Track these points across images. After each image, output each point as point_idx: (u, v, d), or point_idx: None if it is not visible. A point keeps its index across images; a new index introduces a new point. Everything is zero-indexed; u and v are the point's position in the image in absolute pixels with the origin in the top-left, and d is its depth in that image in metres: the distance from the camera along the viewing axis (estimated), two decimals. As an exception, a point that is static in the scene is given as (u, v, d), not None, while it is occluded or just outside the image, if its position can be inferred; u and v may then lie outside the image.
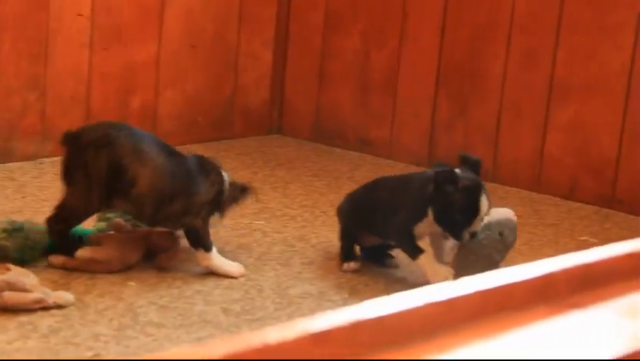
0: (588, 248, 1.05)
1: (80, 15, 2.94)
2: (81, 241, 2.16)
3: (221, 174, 2.21)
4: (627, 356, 0.84)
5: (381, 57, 3.26)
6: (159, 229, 2.18)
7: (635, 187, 2.83)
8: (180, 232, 2.21)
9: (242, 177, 2.96)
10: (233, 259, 2.26)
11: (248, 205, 2.69)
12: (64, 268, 2.11)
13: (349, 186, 2.91)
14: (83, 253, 2.11)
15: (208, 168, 2.18)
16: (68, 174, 2.09)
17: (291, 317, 1.98)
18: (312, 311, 2.01)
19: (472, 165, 2.12)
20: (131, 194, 2.08)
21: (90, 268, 2.10)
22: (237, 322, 1.94)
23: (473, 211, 2.05)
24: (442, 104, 3.16)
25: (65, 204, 2.10)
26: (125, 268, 2.14)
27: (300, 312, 2.00)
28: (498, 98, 3.05)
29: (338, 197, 2.82)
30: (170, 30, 3.16)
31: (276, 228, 2.51)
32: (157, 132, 3.20)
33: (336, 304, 2.05)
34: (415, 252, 2.13)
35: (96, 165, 2.06)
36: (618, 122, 2.85)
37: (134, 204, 2.10)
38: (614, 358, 0.83)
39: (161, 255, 2.17)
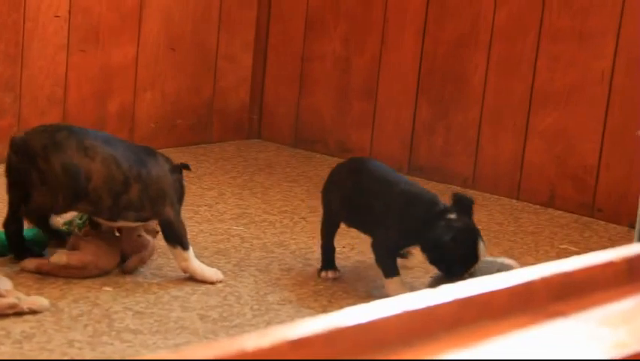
0: (568, 257, 1.04)
1: (56, 16, 2.91)
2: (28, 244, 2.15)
3: (167, 157, 2.20)
4: (608, 365, 0.83)
5: (361, 62, 3.25)
6: (126, 224, 2.14)
7: (615, 196, 2.83)
8: (154, 238, 2.20)
9: (221, 181, 2.95)
10: (211, 265, 2.24)
11: (227, 210, 2.68)
12: (38, 272, 2.08)
13: (329, 192, 2.89)
14: (58, 257, 2.08)
15: (155, 152, 2.18)
16: (24, 179, 2.07)
17: (269, 323, 1.96)
18: (291, 318, 1.99)
19: (465, 206, 2.08)
20: (88, 190, 2.06)
21: (64, 273, 2.08)
22: (215, 328, 1.92)
23: (471, 259, 2.05)
24: (423, 110, 3.16)
25: (32, 204, 2.08)
26: (102, 273, 2.11)
27: (278, 319, 1.99)
28: (479, 104, 3.05)
29: (318, 203, 2.80)
30: (149, 32, 3.13)
31: (254, 234, 2.50)
32: (135, 136, 3.18)
33: (314, 311, 2.04)
34: (389, 271, 2.11)
35: (51, 171, 2.05)
36: (599, 130, 2.86)
37: (92, 200, 2.08)
38: (595, 368, 0.83)
39: (129, 258, 2.15)
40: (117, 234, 2.16)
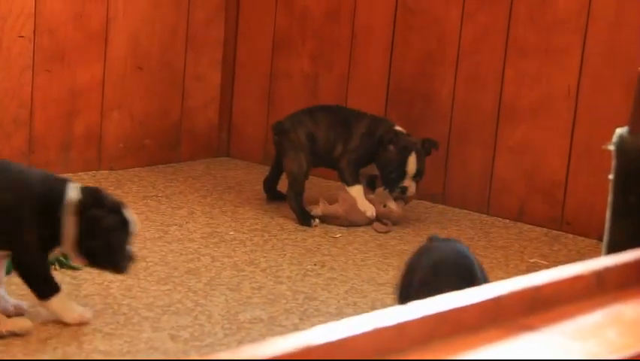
0: (538, 270, 1.05)
1: (21, 37, 2.89)
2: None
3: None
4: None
5: (330, 79, 3.26)
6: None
7: (583, 209, 2.86)
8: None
9: (190, 200, 2.93)
10: (182, 285, 2.22)
11: (197, 229, 2.66)
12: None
13: (299, 210, 2.89)
14: (316, 208, 2.72)
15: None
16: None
17: (240, 342, 1.95)
18: (263, 337, 1.98)
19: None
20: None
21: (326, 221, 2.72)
22: (186, 348, 1.91)
23: None
24: (392, 127, 3.16)
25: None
26: (352, 225, 2.70)
27: (249, 338, 1.97)
28: (447, 120, 3.07)
29: (287, 221, 2.80)
30: (116, 52, 3.12)
31: (225, 252, 2.48)
32: (102, 156, 3.15)
33: (286, 330, 2.03)
34: None
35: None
36: (566, 144, 2.88)
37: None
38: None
39: (376, 222, 2.73)
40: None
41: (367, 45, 3.18)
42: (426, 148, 2.82)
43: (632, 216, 1.20)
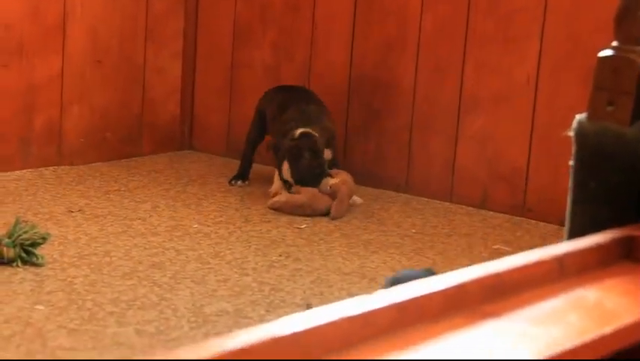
0: (501, 257, 1.06)
1: (-23, 31, 2.86)
2: None
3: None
4: (542, 363, 0.84)
5: (291, 69, 3.26)
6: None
7: (544, 195, 2.89)
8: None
9: (154, 194, 2.92)
10: (146, 279, 2.21)
11: (161, 223, 2.65)
12: (271, 207, 2.77)
13: (263, 202, 2.89)
14: (279, 197, 2.77)
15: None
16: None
17: (206, 335, 1.95)
18: (229, 329, 1.98)
19: None
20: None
21: (287, 210, 2.74)
22: (152, 343, 1.90)
23: None
24: (355, 116, 3.17)
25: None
26: (315, 214, 2.73)
27: (215, 330, 1.97)
28: (409, 110, 3.08)
29: (251, 212, 2.80)
30: (74, 45, 3.09)
31: (189, 245, 2.47)
32: (63, 150, 3.12)
33: (252, 321, 2.03)
34: None
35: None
36: (526, 132, 2.91)
37: None
38: (530, 366, 0.84)
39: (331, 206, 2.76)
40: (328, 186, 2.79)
41: (328, 35, 3.18)
42: (307, 150, 2.79)
43: (591, 201, 1.22)
